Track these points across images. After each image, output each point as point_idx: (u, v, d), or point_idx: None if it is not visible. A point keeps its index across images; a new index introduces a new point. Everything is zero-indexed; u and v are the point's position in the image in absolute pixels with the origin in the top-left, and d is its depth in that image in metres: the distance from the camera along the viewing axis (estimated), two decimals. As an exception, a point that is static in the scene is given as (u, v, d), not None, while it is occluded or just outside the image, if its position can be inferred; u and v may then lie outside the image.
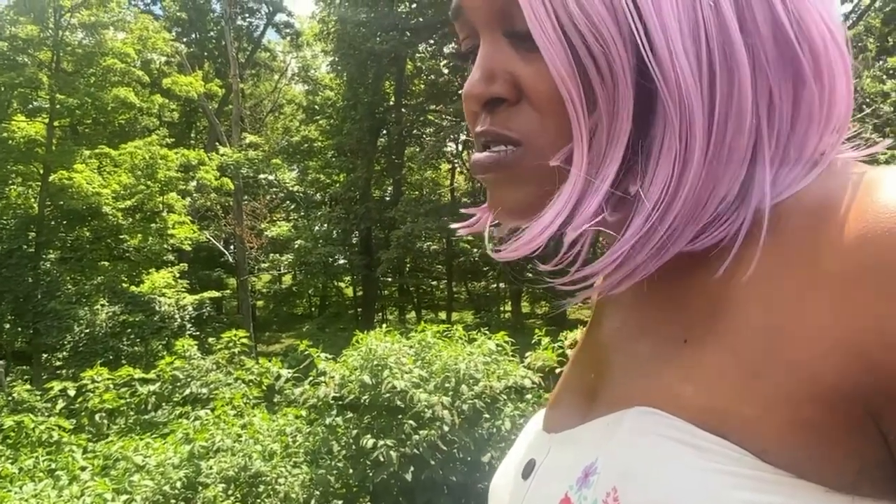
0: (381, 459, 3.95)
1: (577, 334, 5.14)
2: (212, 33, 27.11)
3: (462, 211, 0.63)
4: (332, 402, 4.44)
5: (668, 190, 0.44)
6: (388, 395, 4.19)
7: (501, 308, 24.42)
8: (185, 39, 26.23)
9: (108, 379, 6.09)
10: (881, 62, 15.27)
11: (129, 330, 14.13)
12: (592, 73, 0.44)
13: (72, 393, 6.02)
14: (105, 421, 5.83)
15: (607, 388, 0.53)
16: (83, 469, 4.53)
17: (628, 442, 0.44)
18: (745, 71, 0.43)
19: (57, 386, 6.15)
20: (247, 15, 27.65)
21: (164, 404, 6.23)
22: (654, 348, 0.49)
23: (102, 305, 14.47)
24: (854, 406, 0.38)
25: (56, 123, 16.90)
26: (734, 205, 0.46)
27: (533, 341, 5.35)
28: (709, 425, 0.40)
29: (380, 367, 4.31)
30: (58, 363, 13.85)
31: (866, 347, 0.37)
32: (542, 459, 0.55)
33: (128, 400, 6.13)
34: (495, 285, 24.27)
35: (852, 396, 0.38)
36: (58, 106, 16.21)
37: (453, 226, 0.62)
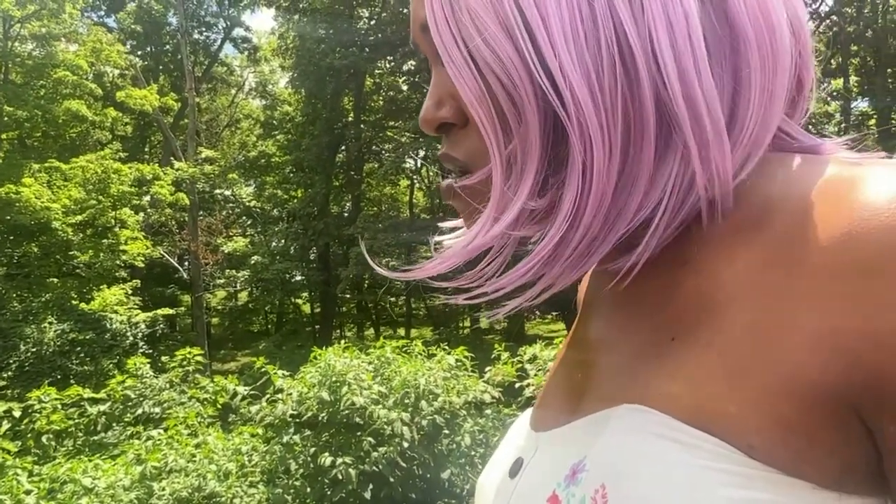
0: (340, 477, 3.91)
1: (537, 349, 5.17)
2: (167, 47, 26.70)
3: (441, 225, 0.64)
4: (289, 419, 4.37)
5: (577, 203, 0.45)
6: (346, 411, 4.15)
7: (460, 324, 24.41)
8: (139, 52, 25.81)
9: (56, 399, 5.89)
10: (825, 85, 15.86)
11: (79, 348, 13.67)
12: (501, 96, 0.46)
13: (17, 414, 5.79)
14: (52, 443, 5.63)
15: (595, 386, 0.53)
16: (28, 493, 4.35)
17: (616, 439, 0.44)
18: (644, 78, 0.43)
19: (1, 407, 5.92)
20: (203, 29, 27.34)
21: (114, 425, 6.05)
22: (642, 346, 0.49)
23: (50, 323, 13.99)
24: (840, 404, 0.38)
25: (4, 136, 16.44)
26: (658, 210, 0.46)
27: (492, 356, 5.36)
28: (696, 422, 0.40)
29: (338, 384, 4.27)
30: (2, 383, 13.31)
31: (853, 346, 0.38)
32: (530, 458, 0.55)
33: (76, 421, 5.94)
34: (454, 302, 24.19)
35: (838, 394, 0.38)
36: (6, 118, 15.76)
37: (437, 238, 0.62)
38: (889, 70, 17.01)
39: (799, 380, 0.39)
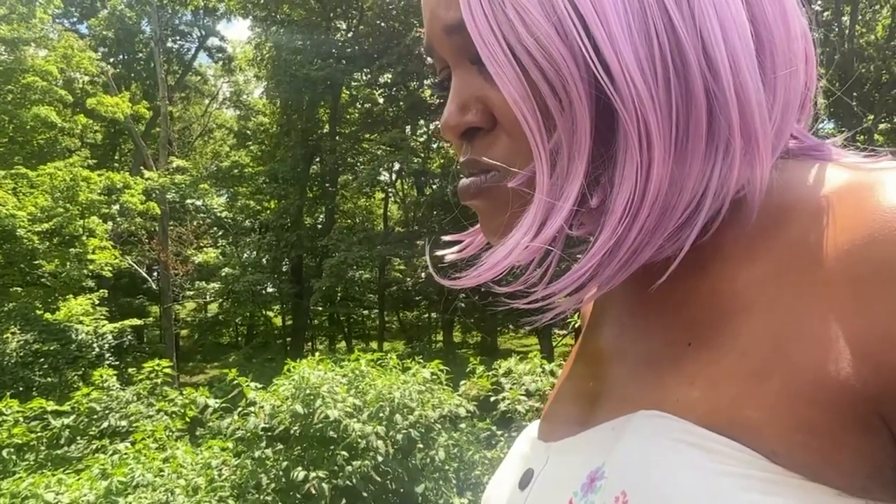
0: (313, 492, 3.85)
1: (511, 363, 5.17)
2: (140, 54, 26.42)
3: (445, 239, 0.62)
4: (261, 433, 4.30)
5: (634, 201, 0.44)
6: (320, 425, 4.09)
7: (433, 338, 24.35)
8: (111, 60, 25.50)
9: (18, 412, 5.75)
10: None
11: (43, 359, 13.34)
12: (546, 93, 0.44)
13: (-24, 427, 5.63)
14: (13, 457, 5.47)
15: (609, 393, 0.52)
16: (-13, 508, 4.23)
17: (635, 445, 0.43)
18: (696, 72, 0.43)
19: (-40, 419, 5.74)
20: (178, 37, 27.10)
21: (79, 438, 5.92)
22: (658, 352, 0.49)
23: (13, 333, 13.65)
24: (863, 408, 0.38)
25: (-32, 141, 16.09)
26: (702, 206, 0.46)
27: (467, 369, 5.35)
28: (716, 427, 0.40)
29: (312, 397, 4.21)
30: (-39, 395, 12.96)
31: (876, 350, 0.37)
32: (541, 468, 0.54)
33: (39, 434, 5.79)
34: (427, 315, 24.21)
35: (862, 399, 0.37)
36: (-29, 123, 15.45)
37: (439, 252, 0.60)
38: (855, 93, 17.46)
39: (822, 384, 0.38)
